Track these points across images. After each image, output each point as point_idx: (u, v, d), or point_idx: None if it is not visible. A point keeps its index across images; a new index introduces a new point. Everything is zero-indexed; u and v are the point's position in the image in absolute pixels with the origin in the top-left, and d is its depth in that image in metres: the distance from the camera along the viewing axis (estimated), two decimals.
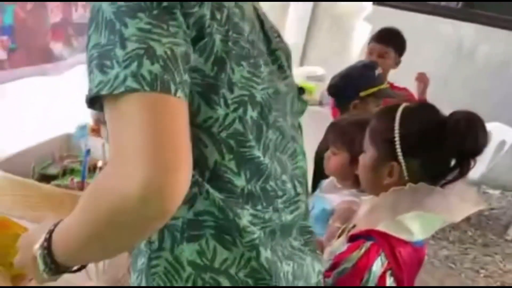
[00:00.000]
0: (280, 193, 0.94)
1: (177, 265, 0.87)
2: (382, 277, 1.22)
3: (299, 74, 3.65)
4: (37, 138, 1.98)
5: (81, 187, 1.77)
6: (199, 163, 0.85)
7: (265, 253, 0.88)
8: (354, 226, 1.38)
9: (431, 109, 1.32)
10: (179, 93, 0.74)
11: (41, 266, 0.87)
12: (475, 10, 4.56)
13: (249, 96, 0.87)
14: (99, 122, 1.16)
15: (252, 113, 0.88)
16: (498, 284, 3.59)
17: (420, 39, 3.75)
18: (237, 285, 0.87)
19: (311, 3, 5.02)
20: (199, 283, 0.86)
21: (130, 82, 0.71)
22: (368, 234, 1.26)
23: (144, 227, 0.75)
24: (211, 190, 0.86)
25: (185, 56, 0.77)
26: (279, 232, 0.93)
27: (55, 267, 0.87)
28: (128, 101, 0.72)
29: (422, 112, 1.33)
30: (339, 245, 1.35)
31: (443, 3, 4.73)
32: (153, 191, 0.69)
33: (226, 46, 0.84)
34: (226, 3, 0.85)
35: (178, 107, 0.74)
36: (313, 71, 4.06)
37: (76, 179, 1.81)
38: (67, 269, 0.89)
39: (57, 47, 2.05)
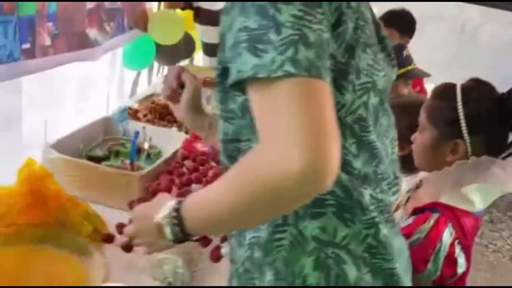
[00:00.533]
0: (385, 176, 0.99)
1: (302, 240, 0.92)
2: (452, 245, 1.29)
3: None
4: (79, 122, 2.03)
5: (132, 168, 1.82)
6: None
7: (384, 230, 0.94)
8: (408, 199, 1.45)
9: (489, 87, 1.39)
10: (328, 79, 0.78)
11: (169, 235, 0.92)
12: None
13: (372, 83, 0.93)
14: (175, 93, 1.21)
15: (374, 100, 0.94)
16: (507, 258, 3.71)
17: (424, 20, 3.80)
18: (357, 259, 0.92)
19: None
20: (322, 257, 0.91)
21: (288, 67, 0.74)
22: (433, 207, 1.33)
23: (295, 204, 0.81)
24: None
25: (328, 43, 0.81)
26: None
27: (182, 236, 0.92)
28: (283, 85, 0.75)
29: (483, 90, 1.39)
30: (398, 218, 1.41)
31: None
32: (311, 173, 0.73)
33: (355, 33, 0.88)
34: None
35: (328, 92, 0.78)
36: None
37: (126, 160, 1.86)
38: (191, 238, 0.94)
39: (92, 33, 2.08)
